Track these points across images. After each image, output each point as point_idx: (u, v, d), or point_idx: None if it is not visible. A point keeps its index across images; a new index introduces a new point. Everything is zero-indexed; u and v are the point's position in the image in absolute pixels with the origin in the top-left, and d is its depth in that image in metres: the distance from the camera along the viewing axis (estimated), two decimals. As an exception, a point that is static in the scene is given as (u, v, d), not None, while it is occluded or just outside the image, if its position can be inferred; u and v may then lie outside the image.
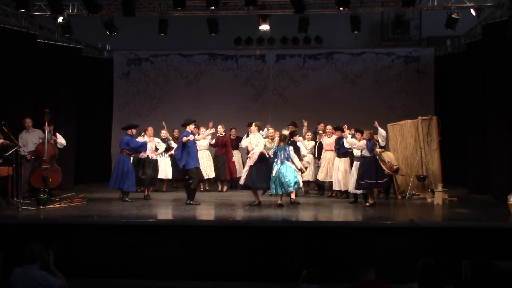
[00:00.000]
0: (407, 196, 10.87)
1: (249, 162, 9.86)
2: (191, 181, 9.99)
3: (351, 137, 10.00)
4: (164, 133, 12.08)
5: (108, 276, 7.54)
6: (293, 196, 9.81)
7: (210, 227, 8.03)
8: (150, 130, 11.18)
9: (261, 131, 10.29)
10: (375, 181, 9.59)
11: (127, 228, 7.90)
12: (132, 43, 15.21)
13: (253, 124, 10.15)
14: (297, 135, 10.81)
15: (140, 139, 11.22)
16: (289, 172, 9.62)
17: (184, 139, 9.80)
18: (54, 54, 12.66)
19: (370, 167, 9.60)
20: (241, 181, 9.94)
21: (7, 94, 11.24)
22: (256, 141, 9.85)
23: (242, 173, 10.12)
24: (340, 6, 10.91)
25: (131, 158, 10.75)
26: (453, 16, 11.26)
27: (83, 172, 13.67)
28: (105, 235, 7.77)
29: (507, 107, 10.46)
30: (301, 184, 10.15)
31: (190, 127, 10.08)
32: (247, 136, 10.68)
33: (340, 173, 10.56)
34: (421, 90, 14.52)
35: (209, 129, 11.04)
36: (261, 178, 9.75)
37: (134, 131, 10.81)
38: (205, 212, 9.11)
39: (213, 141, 12.20)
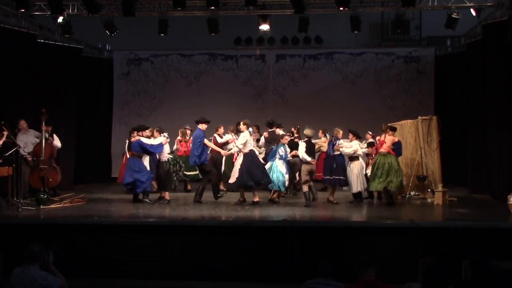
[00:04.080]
0: (407, 196, 10.87)
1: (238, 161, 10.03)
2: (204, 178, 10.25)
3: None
4: (148, 131, 11.95)
5: (108, 276, 7.53)
6: (275, 195, 10.22)
7: (210, 227, 8.02)
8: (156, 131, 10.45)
9: (250, 129, 10.24)
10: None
11: (127, 228, 7.89)
12: (132, 43, 15.21)
13: (241, 122, 10.24)
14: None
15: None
16: (283, 171, 9.90)
17: (209, 144, 10.24)
18: (54, 54, 12.65)
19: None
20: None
21: (7, 94, 11.25)
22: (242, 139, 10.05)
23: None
24: (340, 6, 10.92)
25: (144, 159, 10.28)
26: (453, 16, 11.26)
27: (83, 172, 13.66)
28: (105, 235, 7.76)
29: (507, 107, 10.46)
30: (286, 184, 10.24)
31: (203, 126, 10.15)
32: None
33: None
34: (421, 90, 14.54)
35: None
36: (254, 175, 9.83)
37: (145, 133, 10.25)
38: (205, 212, 9.10)
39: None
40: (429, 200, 10.49)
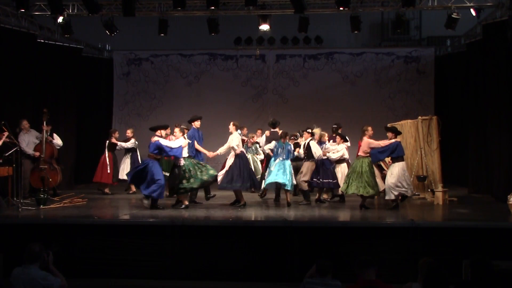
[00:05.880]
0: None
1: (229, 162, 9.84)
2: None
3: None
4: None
5: (108, 276, 7.53)
6: (288, 197, 9.84)
7: (210, 227, 8.01)
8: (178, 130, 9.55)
9: (238, 131, 10.13)
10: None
11: (127, 228, 7.89)
12: (132, 43, 15.22)
13: (231, 123, 9.92)
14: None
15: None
16: (289, 171, 9.73)
17: (197, 147, 9.85)
18: (54, 54, 12.67)
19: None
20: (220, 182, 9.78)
21: (7, 94, 11.25)
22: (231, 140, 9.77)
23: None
24: (340, 6, 10.92)
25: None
26: (453, 16, 11.26)
27: (83, 172, 13.66)
28: (105, 235, 7.76)
29: (507, 107, 10.45)
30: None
31: (196, 124, 10.03)
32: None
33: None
34: (421, 90, 14.55)
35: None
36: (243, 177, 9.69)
37: (163, 132, 9.51)
38: (205, 212, 9.10)
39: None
40: (429, 200, 10.49)
